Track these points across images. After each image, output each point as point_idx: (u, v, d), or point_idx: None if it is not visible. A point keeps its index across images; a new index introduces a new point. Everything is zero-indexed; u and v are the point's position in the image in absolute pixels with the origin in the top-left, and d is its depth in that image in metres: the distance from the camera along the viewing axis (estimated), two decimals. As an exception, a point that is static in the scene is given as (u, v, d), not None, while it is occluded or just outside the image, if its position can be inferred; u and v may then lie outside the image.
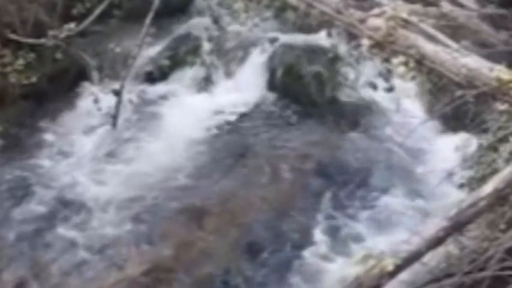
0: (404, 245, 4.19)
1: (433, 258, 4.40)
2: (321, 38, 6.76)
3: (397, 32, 5.26)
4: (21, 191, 6.00)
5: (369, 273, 4.09)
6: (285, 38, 7.31)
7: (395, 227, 5.63)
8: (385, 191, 6.09)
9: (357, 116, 6.91)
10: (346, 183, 6.16)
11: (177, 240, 5.58)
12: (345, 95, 7.07)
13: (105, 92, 6.79)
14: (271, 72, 7.17)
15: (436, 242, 4.20)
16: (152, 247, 5.51)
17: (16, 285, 5.20)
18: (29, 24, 6.74)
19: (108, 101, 6.66)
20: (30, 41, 6.57)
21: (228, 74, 7.32)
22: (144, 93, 7.05)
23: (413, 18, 5.44)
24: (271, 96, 7.10)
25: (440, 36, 5.38)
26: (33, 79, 6.48)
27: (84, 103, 6.87)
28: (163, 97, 7.10)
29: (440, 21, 6.13)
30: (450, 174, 5.36)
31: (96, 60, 7.25)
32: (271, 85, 7.15)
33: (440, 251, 4.41)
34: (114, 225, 5.68)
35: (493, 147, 5.16)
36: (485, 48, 6.20)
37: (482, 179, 4.90)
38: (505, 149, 5.00)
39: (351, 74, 7.10)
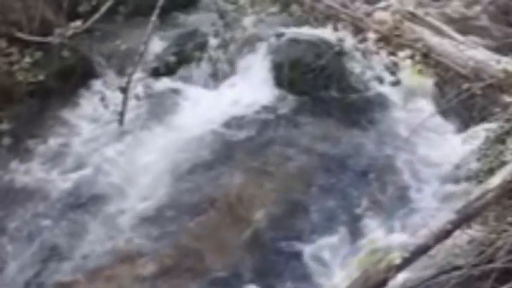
0: (412, 238, 4.19)
1: (440, 251, 4.39)
2: (327, 33, 6.74)
3: (403, 25, 5.24)
4: (28, 189, 6.05)
5: (376, 267, 4.09)
6: (291, 32, 7.30)
7: (403, 221, 5.63)
8: (392, 185, 6.08)
9: (363, 110, 6.89)
10: (353, 178, 6.17)
11: (187, 233, 5.62)
12: (351, 89, 7.07)
13: (111, 89, 6.79)
14: (278, 67, 7.15)
15: (444, 234, 4.19)
16: (162, 241, 5.55)
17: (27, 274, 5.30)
18: (36, 22, 6.75)
19: (115, 98, 6.68)
20: (37, 39, 6.57)
21: (235, 70, 7.32)
22: (151, 90, 7.05)
23: (420, 11, 5.43)
24: (278, 91, 7.08)
25: (447, 29, 5.37)
26: (40, 77, 6.46)
27: (91, 100, 6.89)
28: (170, 93, 7.10)
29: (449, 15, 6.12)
30: (458, 167, 5.35)
31: (103, 57, 7.27)
32: (278, 80, 7.13)
33: (448, 243, 4.40)
34: (124, 219, 5.72)
35: (501, 140, 5.14)
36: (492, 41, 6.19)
37: (489, 172, 4.88)
38: (512, 141, 4.98)
39: (357, 68, 7.09)
